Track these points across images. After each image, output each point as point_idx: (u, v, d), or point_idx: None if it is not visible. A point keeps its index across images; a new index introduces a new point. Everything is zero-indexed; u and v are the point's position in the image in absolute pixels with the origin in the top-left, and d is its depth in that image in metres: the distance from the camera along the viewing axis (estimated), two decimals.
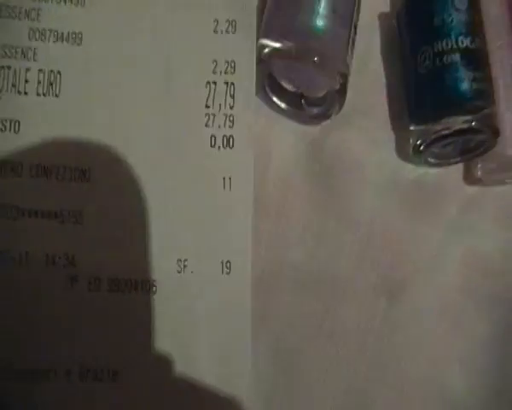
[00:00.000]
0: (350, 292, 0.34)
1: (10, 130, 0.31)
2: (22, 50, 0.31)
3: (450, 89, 0.34)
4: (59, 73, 0.31)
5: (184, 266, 0.31)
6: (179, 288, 0.31)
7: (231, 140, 0.32)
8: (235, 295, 0.32)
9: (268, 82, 0.34)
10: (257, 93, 0.33)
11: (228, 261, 0.31)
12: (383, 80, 0.37)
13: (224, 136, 0.32)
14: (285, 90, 0.34)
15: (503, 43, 0.37)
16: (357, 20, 0.34)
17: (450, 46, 0.34)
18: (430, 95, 0.35)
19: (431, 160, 0.37)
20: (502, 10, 0.37)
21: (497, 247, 0.36)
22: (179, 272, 0.31)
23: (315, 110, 0.35)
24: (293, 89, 0.34)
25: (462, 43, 0.34)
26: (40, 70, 0.31)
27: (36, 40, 0.31)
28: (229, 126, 0.32)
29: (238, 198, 0.32)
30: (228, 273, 0.31)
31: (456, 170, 0.38)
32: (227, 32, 0.33)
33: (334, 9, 0.32)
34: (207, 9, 0.33)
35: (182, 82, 0.32)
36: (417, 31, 0.36)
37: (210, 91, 0.32)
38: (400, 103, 0.37)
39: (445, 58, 0.34)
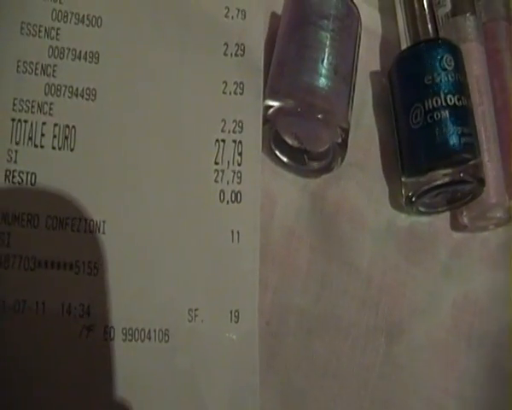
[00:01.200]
0: (353, 333, 0.35)
1: (27, 182, 0.31)
2: (39, 105, 0.31)
3: (441, 143, 0.36)
4: (74, 127, 0.31)
5: (195, 315, 0.32)
6: (190, 337, 0.31)
7: (239, 195, 0.33)
8: (244, 342, 0.32)
9: (273, 138, 0.35)
10: (262, 149, 0.34)
11: (236, 310, 0.32)
12: (376, 135, 0.39)
13: (233, 191, 0.33)
14: (289, 145, 0.35)
15: (483, 99, 0.39)
16: (355, 78, 0.35)
17: (439, 103, 0.36)
18: (422, 149, 0.36)
19: (421, 209, 0.38)
20: (482, 71, 0.39)
21: (485, 287, 0.38)
22: (190, 322, 0.31)
23: (317, 164, 0.35)
24: (297, 145, 0.35)
25: (451, 100, 0.36)
26: (56, 124, 0.31)
27: (52, 95, 0.32)
28: (237, 182, 0.33)
29: (246, 250, 0.33)
30: (236, 322, 0.32)
31: (444, 218, 0.39)
32: (235, 93, 0.34)
33: (335, 70, 0.33)
34: (217, 72, 0.34)
35: (192, 139, 0.33)
36: (409, 89, 0.37)
37: (219, 149, 0.33)
38: (392, 156, 0.38)
39: (435, 115, 0.36)
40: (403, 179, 0.37)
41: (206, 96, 0.34)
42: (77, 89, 0.32)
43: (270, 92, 0.34)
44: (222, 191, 0.33)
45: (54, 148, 0.31)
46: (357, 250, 0.36)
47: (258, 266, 0.33)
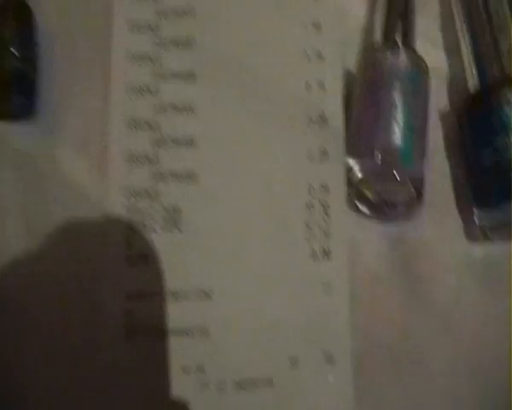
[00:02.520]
0: (436, 365, 0.38)
1: (142, 263, 0.35)
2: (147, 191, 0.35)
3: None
4: (180, 210, 0.35)
5: (295, 361, 0.35)
6: (292, 382, 0.35)
7: (329, 251, 0.36)
8: (340, 383, 0.35)
9: (355, 194, 0.37)
10: (346, 204, 0.37)
11: (331, 354, 0.35)
12: (448, 173, 0.41)
13: (323, 248, 0.36)
14: (369, 200, 0.37)
15: None
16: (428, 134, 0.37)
17: (509, 143, 0.37)
18: (493, 185, 0.38)
19: (495, 237, 0.39)
20: None
21: None
22: (291, 368, 0.35)
23: (396, 214, 0.38)
24: (377, 199, 0.37)
25: None
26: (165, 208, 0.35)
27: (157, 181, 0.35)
28: (326, 240, 0.36)
29: (337, 300, 0.36)
30: (331, 364, 0.35)
31: None
32: (320, 159, 0.37)
33: (410, 128, 0.36)
34: (302, 141, 0.37)
35: (284, 205, 0.36)
36: (478, 130, 0.39)
37: (308, 212, 0.36)
38: (465, 192, 0.40)
39: (504, 153, 0.37)
40: (476, 213, 0.39)
41: (294, 165, 0.37)
42: (180, 174, 0.35)
43: (351, 153, 0.37)
44: (313, 249, 0.36)
45: (163, 230, 0.35)
46: (437, 286, 0.38)
47: (349, 312, 0.36)
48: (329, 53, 0.39)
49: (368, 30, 0.42)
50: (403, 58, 0.38)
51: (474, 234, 0.39)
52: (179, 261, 0.35)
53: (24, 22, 0.37)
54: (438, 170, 0.40)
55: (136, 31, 0.37)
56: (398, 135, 0.36)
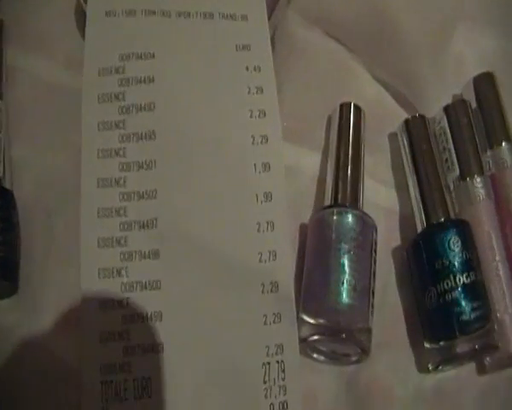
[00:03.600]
0: None
1: None
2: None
3: (455, 321, 0.40)
4: (149, 378, 0.39)
5: None
6: None
7: (286, 405, 0.39)
8: None
9: (309, 347, 0.41)
10: (300, 353, 0.40)
11: None
12: (401, 310, 0.44)
13: (280, 402, 0.39)
14: (323, 350, 0.41)
15: (495, 253, 0.43)
16: (374, 285, 0.41)
17: (450, 285, 0.40)
18: (439, 325, 0.41)
19: (446, 368, 0.42)
20: (493, 225, 0.44)
21: None
22: None
23: (348, 360, 0.41)
24: (328, 350, 0.41)
25: (460, 280, 0.40)
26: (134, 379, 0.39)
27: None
28: (283, 394, 0.39)
29: None
30: None
31: (469, 366, 0.43)
32: (274, 322, 0.40)
33: (354, 288, 0.39)
34: (257, 307, 0.40)
35: (243, 372, 0.40)
36: (423, 272, 0.42)
37: (265, 371, 0.39)
38: (417, 326, 0.43)
39: (447, 296, 0.40)
40: (426, 346, 0.42)
41: (250, 330, 0.40)
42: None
43: (302, 309, 0.40)
44: (272, 405, 0.39)
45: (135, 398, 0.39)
46: None
47: None
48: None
49: (319, 191, 0.45)
50: (349, 220, 0.41)
51: (425, 366, 0.42)
52: None
53: (4, 208, 0.41)
54: (391, 309, 0.44)
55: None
56: (343, 297, 0.39)
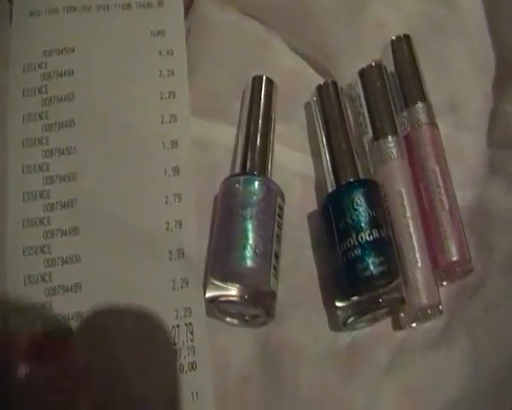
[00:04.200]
0: None
1: None
2: None
3: (359, 277, 0.41)
4: None
5: None
6: None
7: (194, 365, 0.42)
8: None
9: (217, 309, 0.43)
10: (213, 316, 0.43)
11: None
12: (315, 272, 0.45)
13: (189, 363, 0.42)
14: (232, 312, 0.43)
15: (406, 211, 0.44)
16: (279, 246, 0.43)
17: (352, 243, 0.42)
18: (345, 282, 0.42)
19: (359, 325, 0.44)
20: (405, 183, 0.45)
21: (428, 370, 0.42)
22: None
23: (258, 321, 0.43)
24: (237, 312, 0.43)
25: (362, 238, 0.41)
26: None
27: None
28: (192, 355, 0.42)
29: (204, 405, 0.42)
30: None
31: (385, 322, 0.45)
32: (182, 287, 0.43)
33: (255, 252, 0.41)
34: (165, 274, 0.43)
35: (154, 332, 0.43)
36: (329, 232, 0.43)
37: (175, 333, 0.42)
38: (330, 288, 0.44)
39: (349, 254, 0.42)
40: (336, 305, 0.43)
41: (160, 295, 0.43)
42: None
43: (210, 272, 0.42)
44: (181, 365, 0.42)
45: None
46: (298, 381, 0.42)
47: None
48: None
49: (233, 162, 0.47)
50: (253, 187, 0.43)
51: (337, 325, 0.44)
52: None
53: None
54: (306, 272, 0.45)
55: None
56: (246, 260, 0.41)
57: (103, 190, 0.45)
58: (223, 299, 0.41)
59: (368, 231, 0.41)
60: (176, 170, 0.45)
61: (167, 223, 0.44)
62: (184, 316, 0.43)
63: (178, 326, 0.42)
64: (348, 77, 0.48)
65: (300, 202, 0.46)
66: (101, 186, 0.45)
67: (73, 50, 0.47)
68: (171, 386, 0.42)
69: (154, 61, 0.48)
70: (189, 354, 0.42)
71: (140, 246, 0.44)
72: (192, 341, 0.42)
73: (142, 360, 0.42)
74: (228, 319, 0.44)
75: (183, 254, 0.44)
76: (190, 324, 0.42)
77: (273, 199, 0.43)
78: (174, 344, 0.42)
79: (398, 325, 0.44)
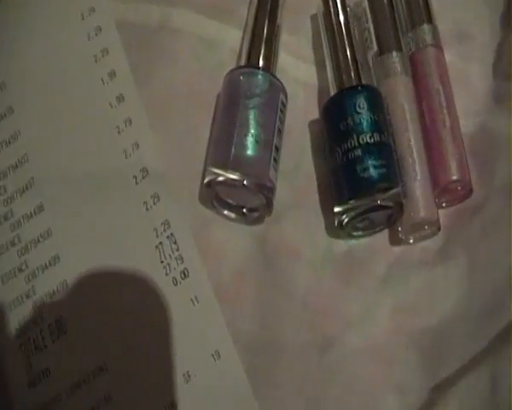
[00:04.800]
0: (290, 351, 0.41)
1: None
2: None
3: (359, 177, 0.40)
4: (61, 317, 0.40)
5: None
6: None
7: (186, 271, 0.41)
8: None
9: (214, 198, 0.41)
10: (209, 207, 0.42)
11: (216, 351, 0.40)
12: (314, 176, 0.44)
13: (181, 271, 0.41)
14: (229, 203, 0.42)
15: (408, 125, 0.43)
16: (280, 141, 0.42)
17: (353, 144, 0.41)
18: (344, 182, 0.41)
19: (355, 233, 0.43)
20: (407, 99, 0.44)
21: (424, 286, 0.42)
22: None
23: (255, 215, 0.42)
24: (235, 203, 0.42)
25: (363, 140, 0.40)
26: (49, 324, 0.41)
27: None
28: (181, 263, 0.41)
29: (206, 307, 0.40)
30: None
31: (383, 235, 0.44)
32: (154, 204, 0.42)
33: (257, 140, 0.40)
34: (136, 197, 0.42)
35: (138, 260, 0.41)
36: (331, 134, 0.42)
37: (159, 250, 0.41)
38: (328, 193, 0.43)
39: (350, 154, 0.41)
40: (334, 210, 0.42)
41: (136, 220, 0.42)
42: None
43: (209, 161, 0.41)
44: (174, 278, 0.41)
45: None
46: (295, 280, 0.41)
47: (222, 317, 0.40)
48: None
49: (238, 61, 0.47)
50: (258, 79, 0.42)
51: (335, 231, 0.43)
52: None
53: None
54: (305, 175, 0.45)
55: None
56: (246, 148, 0.40)
57: (56, 152, 0.44)
58: (221, 179, 0.40)
59: (369, 134, 0.41)
60: (120, 98, 0.45)
61: (124, 151, 0.43)
62: (164, 230, 0.41)
63: (161, 243, 0.41)
64: None
65: (303, 109, 0.45)
66: (53, 149, 0.44)
67: None
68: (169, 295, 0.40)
69: None
70: (178, 264, 0.41)
71: (104, 185, 0.43)
72: (178, 250, 0.41)
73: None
74: (225, 212, 0.42)
75: (147, 171, 0.43)
76: (172, 234, 0.41)
77: (277, 93, 0.42)
78: (161, 262, 0.41)
79: (395, 240, 0.44)
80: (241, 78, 0.42)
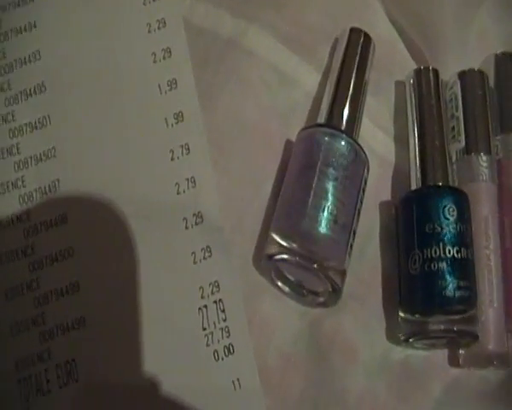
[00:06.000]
0: None
1: None
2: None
3: (437, 294, 0.35)
4: (73, 360, 0.33)
5: None
6: None
7: (231, 347, 0.34)
8: None
9: (274, 270, 0.35)
10: (266, 278, 0.36)
11: None
12: (379, 268, 0.39)
13: (225, 346, 0.34)
14: (289, 278, 0.35)
15: (490, 242, 0.38)
16: (357, 225, 0.36)
17: (438, 254, 0.35)
18: (419, 295, 0.36)
19: (417, 345, 0.37)
20: (492, 211, 0.39)
21: None
22: None
23: (314, 299, 0.36)
24: (296, 281, 0.35)
25: (450, 252, 0.35)
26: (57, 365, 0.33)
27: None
28: (227, 337, 0.34)
29: (248, 393, 0.34)
30: None
31: (442, 352, 0.38)
32: (204, 258, 0.35)
33: (335, 220, 0.34)
34: (183, 245, 0.36)
35: (176, 319, 0.34)
36: (410, 232, 0.37)
37: (203, 315, 0.34)
38: (394, 291, 0.38)
39: (432, 265, 0.35)
40: (401, 315, 0.37)
41: (179, 274, 0.35)
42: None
43: (274, 228, 0.35)
44: (215, 351, 0.34)
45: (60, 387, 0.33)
46: (348, 382, 0.36)
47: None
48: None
49: (313, 111, 0.41)
50: (342, 145, 0.36)
51: (397, 337, 0.37)
52: None
53: None
54: (370, 264, 0.39)
55: None
56: (321, 225, 0.33)
57: (89, 167, 0.36)
58: (285, 257, 0.33)
59: (456, 247, 0.35)
60: (179, 116, 0.37)
61: (177, 185, 0.36)
62: (212, 293, 0.35)
63: (206, 307, 0.35)
64: (442, 72, 0.42)
65: (375, 186, 0.39)
66: (85, 162, 0.36)
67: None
68: (209, 375, 0.34)
69: None
70: (223, 337, 0.35)
71: (148, 226, 0.35)
72: (225, 320, 0.35)
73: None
74: (280, 284, 0.36)
75: (202, 217, 0.36)
76: (220, 300, 0.35)
77: (361, 168, 0.36)
78: (204, 329, 0.34)
79: (453, 360, 0.38)
80: (325, 139, 0.35)
